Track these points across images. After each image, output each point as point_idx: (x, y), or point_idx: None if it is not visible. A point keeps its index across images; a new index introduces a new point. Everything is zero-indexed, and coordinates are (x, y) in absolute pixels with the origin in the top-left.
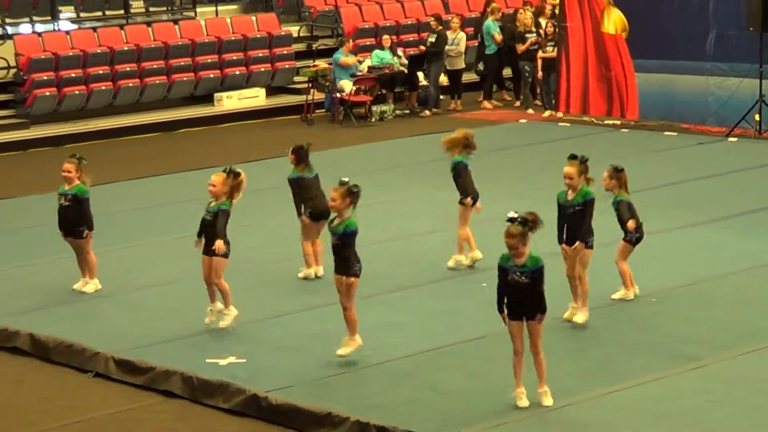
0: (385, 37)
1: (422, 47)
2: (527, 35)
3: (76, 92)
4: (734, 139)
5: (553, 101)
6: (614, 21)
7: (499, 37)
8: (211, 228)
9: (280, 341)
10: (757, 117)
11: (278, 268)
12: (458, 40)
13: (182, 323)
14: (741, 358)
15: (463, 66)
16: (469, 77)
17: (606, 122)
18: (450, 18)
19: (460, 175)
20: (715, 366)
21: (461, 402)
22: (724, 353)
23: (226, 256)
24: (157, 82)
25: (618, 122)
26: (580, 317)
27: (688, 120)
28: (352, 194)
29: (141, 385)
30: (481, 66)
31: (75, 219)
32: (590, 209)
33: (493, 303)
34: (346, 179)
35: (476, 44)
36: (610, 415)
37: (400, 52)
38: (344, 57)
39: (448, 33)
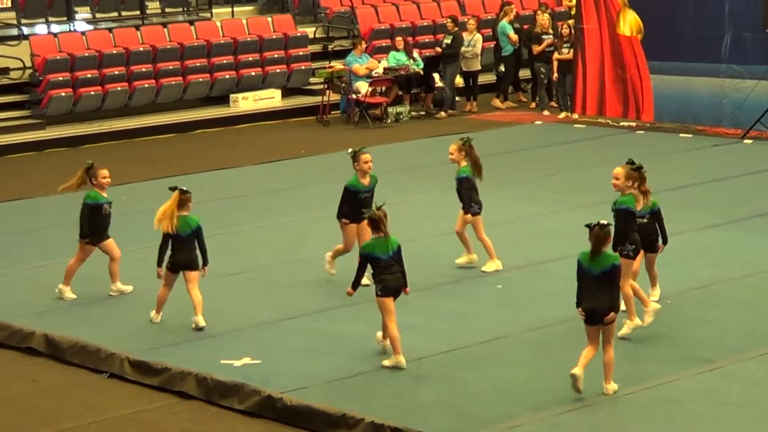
0: (398, 38)
1: (438, 49)
2: (544, 37)
3: (92, 93)
4: (750, 141)
5: (569, 103)
6: (630, 23)
7: (514, 36)
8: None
9: (295, 342)
10: None
11: (294, 269)
12: (474, 41)
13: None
14: (755, 360)
15: (479, 68)
16: (485, 79)
17: (621, 124)
18: (466, 20)
19: (462, 187)
20: (729, 368)
21: (476, 403)
22: (738, 355)
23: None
24: (173, 83)
25: (633, 124)
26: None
27: (703, 122)
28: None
29: (156, 386)
30: (502, 67)
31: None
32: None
33: (509, 304)
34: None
35: (492, 46)
36: (622, 418)
37: (415, 53)
38: (356, 64)
39: (465, 35)
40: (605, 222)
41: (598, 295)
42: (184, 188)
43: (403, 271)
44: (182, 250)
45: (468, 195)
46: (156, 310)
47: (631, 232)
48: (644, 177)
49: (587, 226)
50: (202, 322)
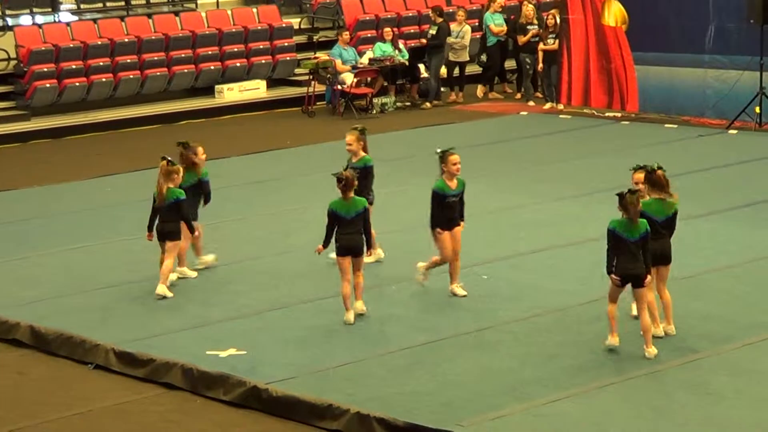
0: (387, 29)
1: (423, 40)
2: (529, 27)
3: (77, 84)
4: (735, 132)
5: (554, 93)
6: (614, 13)
7: (496, 28)
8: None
9: (281, 333)
10: (757, 109)
11: (279, 260)
12: (463, 33)
13: (183, 315)
14: (741, 350)
15: (468, 59)
16: (471, 69)
17: (607, 114)
18: (455, 10)
19: (370, 174)
20: (714, 358)
21: (462, 394)
22: (723, 345)
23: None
24: (158, 73)
25: (619, 114)
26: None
27: (686, 113)
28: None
29: (141, 377)
30: (483, 57)
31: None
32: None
33: (494, 295)
34: None
35: (479, 36)
36: (608, 407)
37: (401, 44)
38: (340, 60)
39: (453, 25)
40: (634, 188)
41: (639, 259)
42: (170, 159)
43: (366, 233)
44: (164, 220)
45: (371, 184)
46: (161, 281)
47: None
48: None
49: (618, 194)
50: (163, 291)
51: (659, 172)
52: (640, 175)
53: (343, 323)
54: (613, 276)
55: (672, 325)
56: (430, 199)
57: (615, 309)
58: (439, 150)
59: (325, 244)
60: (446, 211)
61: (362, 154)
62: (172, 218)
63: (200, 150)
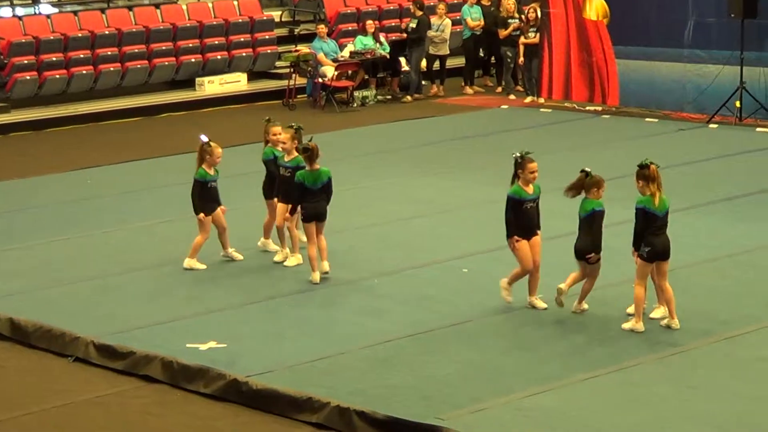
0: (369, 22)
1: (404, 34)
2: (509, 21)
3: (57, 76)
4: (715, 126)
5: (535, 87)
6: (596, 7)
7: (472, 22)
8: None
9: (261, 326)
10: (737, 104)
11: (259, 253)
12: (444, 26)
13: (163, 308)
14: (719, 344)
15: (448, 52)
16: (452, 63)
17: (587, 108)
18: (435, 4)
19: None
20: (693, 352)
21: (442, 387)
22: (701, 339)
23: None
24: (139, 66)
25: (599, 108)
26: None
27: (666, 107)
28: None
29: (121, 370)
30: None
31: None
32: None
33: (475, 288)
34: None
35: (460, 29)
36: (587, 401)
37: (382, 37)
38: (323, 54)
39: (434, 19)
40: (647, 161)
41: (666, 233)
42: (206, 140)
43: (327, 200)
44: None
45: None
46: (190, 256)
47: (649, 234)
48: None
49: (639, 165)
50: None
51: (653, 166)
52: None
53: (309, 283)
54: (638, 253)
55: (675, 318)
56: (506, 205)
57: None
58: (517, 154)
59: (292, 211)
60: (523, 218)
61: (295, 153)
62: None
63: (218, 151)
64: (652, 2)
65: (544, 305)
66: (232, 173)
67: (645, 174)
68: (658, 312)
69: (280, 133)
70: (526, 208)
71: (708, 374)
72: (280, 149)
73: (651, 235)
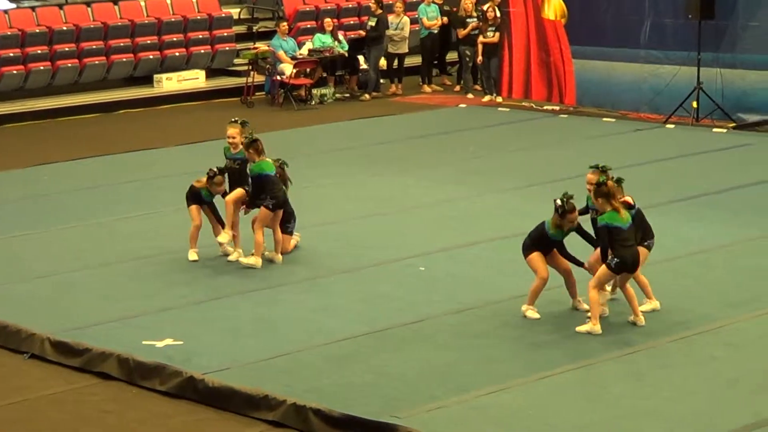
0: (327, 20)
1: (362, 32)
2: (468, 20)
3: (14, 72)
4: (672, 126)
5: (494, 86)
6: (554, 7)
7: (428, 21)
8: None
9: (217, 324)
10: (694, 104)
11: (217, 250)
12: (402, 24)
13: (119, 305)
14: (676, 343)
15: (407, 50)
16: (410, 61)
17: (545, 108)
18: (393, 2)
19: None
20: (650, 351)
21: (398, 385)
22: (658, 339)
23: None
24: (97, 62)
25: (557, 108)
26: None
27: (623, 107)
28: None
29: (77, 367)
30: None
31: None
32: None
33: (432, 287)
34: None
35: (418, 28)
36: (545, 399)
37: (340, 35)
38: (282, 51)
39: (392, 17)
40: (603, 178)
41: (635, 243)
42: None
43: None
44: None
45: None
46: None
47: (619, 246)
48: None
49: (597, 185)
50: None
51: (609, 183)
52: (593, 177)
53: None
54: (611, 264)
55: (641, 315)
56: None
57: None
58: (559, 202)
59: (251, 204)
60: (546, 245)
61: (241, 146)
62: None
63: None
64: (609, 2)
65: (586, 306)
66: (191, 171)
67: (603, 191)
68: (649, 305)
69: (234, 136)
70: (552, 240)
71: (665, 373)
72: (228, 143)
73: (621, 248)
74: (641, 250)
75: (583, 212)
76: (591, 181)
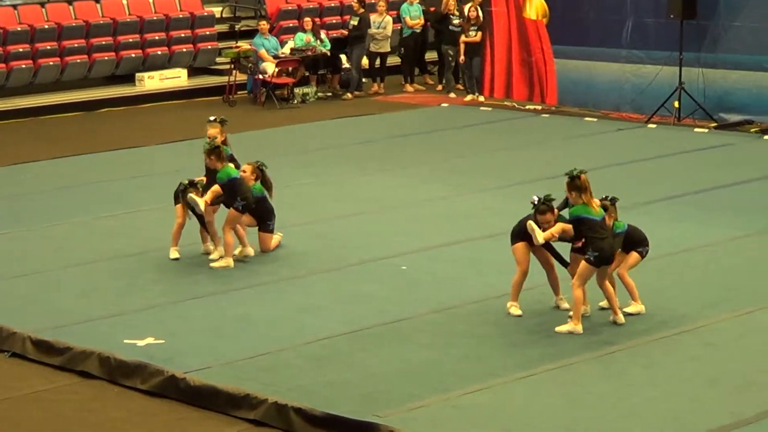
0: (307, 19)
1: (344, 31)
2: (452, 18)
3: None
4: (654, 126)
5: (476, 85)
6: (536, 6)
7: (411, 21)
8: None
9: (199, 323)
10: (676, 104)
11: (196, 249)
12: (385, 23)
13: (101, 303)
14: (656, 343)
15: (389, 49)
16: (393, 60)
17: (527, 107)
18: (376, 1)
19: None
20: (630, 351)
21: (379, 384)
22: (638, 338)
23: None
24: (78, 61)
25: (539, 107)
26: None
27: (604, 107)
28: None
29: (58, 366)
30: (402, 50)
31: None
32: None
33: (413, 286)
34: None
35: (399, 28)
36: (525, 399)
37: (323, 34)
38: (264, 50)
39: (374, 16)
40: (576, 171)
41: (609, 236)
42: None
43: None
44: None
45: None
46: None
47: (595, 239)
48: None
49: (568, 175)
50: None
51: (583, 176)
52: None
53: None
54: (590, 258)
55: (620, 314)
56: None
57: (582, 294)
58: (534, 199)
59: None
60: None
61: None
62: None
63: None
64: (591, 2)
65: (567, 305)
66: (173, 169)
67: (576, 184)
68: (634, 308)
69: (216, 136)
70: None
71: (645, 373)
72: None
73: (597, 240)
74: (633, 254)
75: (560, 218)
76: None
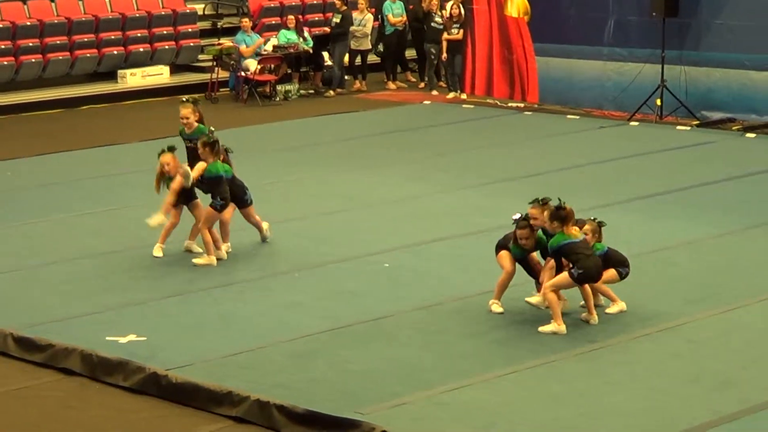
0: (290, 17)
1: (327, 29)
2: (435, 16)
3: None
4: (636, 124)
5: (458, 83)
6: (517, 4)
7: (393, 18)
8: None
9: (181, 320)
10: (658, 102)
11: (177, 247)
12: (365, 21)
13: (83, 300)
14: (637, 341)
15: (370, 47)
16: (373, 58)
17: (509, 105)
18: None
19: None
20: (612, 348)
21: (362, 382)
22: (619, 336)
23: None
24: (60, 58)
25: (522, 105)
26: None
27: (585, 105)
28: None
29: (40, 363)
30: (381, 47)
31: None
32: None
33: (396, 284)
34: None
35: (378, 25)
36: (507, 396)
37: (305, 32)
38: (244, 45)
39: (355, 14)
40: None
41: (594, 254)
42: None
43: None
44: None
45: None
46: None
47: (581, 257)
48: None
49: (557, 207)
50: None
51: (568, 207)
52: (534, 211)
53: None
54: (574, 274)
55: (594, 314)
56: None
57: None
58: (516, 216)
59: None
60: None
61: (196, 125)
62: None
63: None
64: (573, 0)
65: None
66: (154, 167)
67: (561, 215)
68: (616, 307)
69: (188, 116)
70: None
71: (626, 370)
72: (183, 123)
73: (583, 259)
74: (611, 270)
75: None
76: (534, 215)
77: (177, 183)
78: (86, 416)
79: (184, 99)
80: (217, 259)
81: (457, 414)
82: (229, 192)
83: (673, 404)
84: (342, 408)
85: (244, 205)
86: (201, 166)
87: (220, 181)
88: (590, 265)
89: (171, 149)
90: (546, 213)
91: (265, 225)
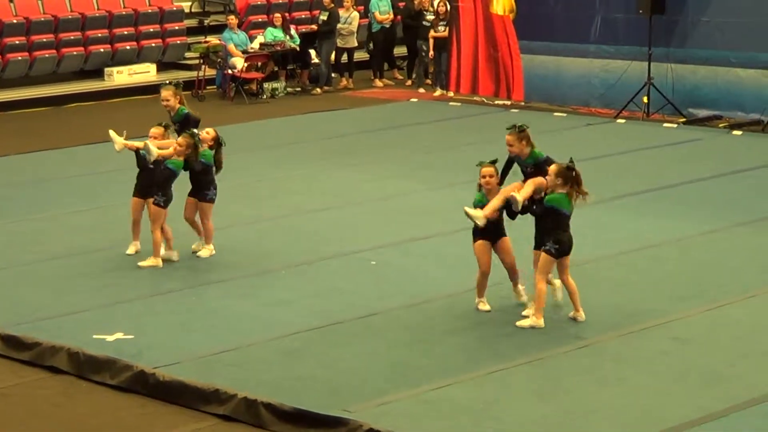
0: (277, 14)
1: (314, 26)
2: (425, 13)
3: None
4: (623, 121)
5: (444, 80)
6: (502, 1)
7: (380, 16)
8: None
9: (168, 318)
10: (645, 99)
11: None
12: (351, 18)
13: (70, 298)
14: (626, 338)
15: (356, 44)
16: (360, 56)
17: (496, 102)
18: None
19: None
20: (600, 346)
21: (349, 379)
22: (608, 333)
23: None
24: (47, 55)
25: (508, 102)
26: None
27: (572, 102)
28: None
29: (27, 361)
30: (371, 45)
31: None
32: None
33: (383, 281)
34: None
35: (367, 23)
36: (495, 394)
37: (292, 29)
38: (233, 44)
39: (341, 11)
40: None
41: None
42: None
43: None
44: None
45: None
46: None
47: (560, 231)
48: (579, 178)
49: (567, 167)
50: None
51: (578, 170)
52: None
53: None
54: (551, 249)
55: (581, 311)
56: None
57: (546, 287)
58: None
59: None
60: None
61: (178, 106)
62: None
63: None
64: None
65: (525, 298)
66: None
67: (569, 176)
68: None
69: (169, 99)
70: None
71: (614, 367)
72: (164, 106)
73: (562, 233)
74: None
75: (506, 169)
76: (510, 142)
77: (169, 152)
78: (73, 414)
79: (167, 82)
80: (167, 259)
81: (444, 412)
82: (197, 178)
83: (661, 401)
84: (329, 406)
85: (203, 199)
86: (168, 151)
87: (172, 176)
88: (565, 239)
89: (166, 127)
90: (524, 142)
91: (207, 250)
